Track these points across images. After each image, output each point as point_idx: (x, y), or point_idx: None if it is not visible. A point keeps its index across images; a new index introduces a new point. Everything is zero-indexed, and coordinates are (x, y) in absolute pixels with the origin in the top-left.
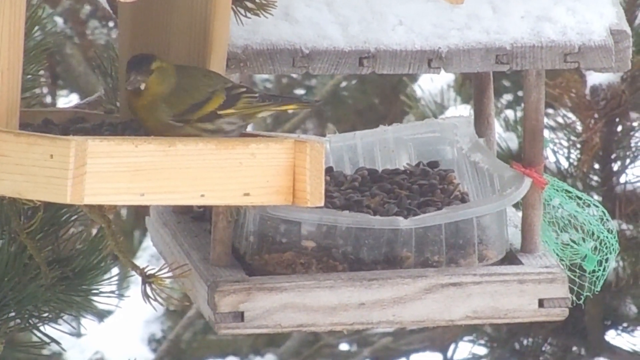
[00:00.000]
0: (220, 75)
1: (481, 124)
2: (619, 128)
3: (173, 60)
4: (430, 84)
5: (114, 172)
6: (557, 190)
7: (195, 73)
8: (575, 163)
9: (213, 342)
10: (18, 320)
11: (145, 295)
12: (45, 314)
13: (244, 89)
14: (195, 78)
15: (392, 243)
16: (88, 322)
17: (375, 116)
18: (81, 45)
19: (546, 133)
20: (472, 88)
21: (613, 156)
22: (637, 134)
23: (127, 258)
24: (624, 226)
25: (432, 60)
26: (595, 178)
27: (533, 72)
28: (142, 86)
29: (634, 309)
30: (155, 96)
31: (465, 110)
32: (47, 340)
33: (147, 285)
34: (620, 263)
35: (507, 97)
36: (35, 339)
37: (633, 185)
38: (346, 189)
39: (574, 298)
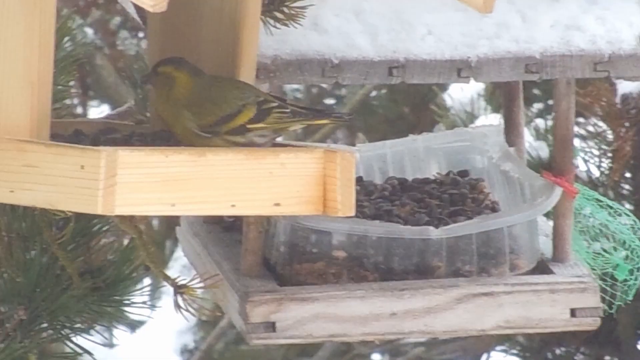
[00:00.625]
0: (252, 87)
1: (511, 132)
2: None
3: (203, 70)
4: (460, 93)
5: (145, 183)
6: (588, 199)
7: (226, 84)
8: (606, 172)
9: (245, 353)
10: (50, 331)
11: (177, 305)
12: (78, 325)
13: (276, 104)
14: (225, 89)
15: (423, 253)
16: (120, 333)
17: (405, 125)
18: (111, 56)
19: (577, 142)
20: (502, 97)
21: None
22: None
23: (159, 268)
24: None
25: (462, 69)
26: (627, 187)
27: (563, 81)
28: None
29: None
30: (173, 102)
31: (495, 119)
32: (80, 351)
33: (178, 295)
34: None
35: (538, 106)
36: (67, 349)
37: None
38: (376, 198)
39: (606, 307)
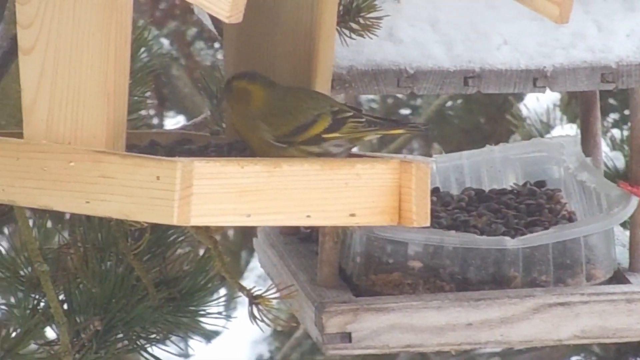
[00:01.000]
0: (327, 97)
1: (588, 143)
2: None
3: (278, 81)
4: (536, 103)
5: (220, 193)
6: None
7: (300, 94)
8: None
9: None
10: (126, 342)
11: (252, 316)
12: (153, 335)
13: (351, 114)
14: (300, 100)
15: (500, 263)
16: (196, 343)
17: (480, 136)
18: (187, 67)
19: None
20: (578, 107)
21: None
22: None
23: (234, 279)
24: None
25: (538, 79)
26: None
27: (639, 91)
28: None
29: None
30: (244, 114)
31: (571, 130)
32: None
33: (254, 306)
34: None
35: (614, 116)
36: None
37: None
38: (453, 209)
39: None
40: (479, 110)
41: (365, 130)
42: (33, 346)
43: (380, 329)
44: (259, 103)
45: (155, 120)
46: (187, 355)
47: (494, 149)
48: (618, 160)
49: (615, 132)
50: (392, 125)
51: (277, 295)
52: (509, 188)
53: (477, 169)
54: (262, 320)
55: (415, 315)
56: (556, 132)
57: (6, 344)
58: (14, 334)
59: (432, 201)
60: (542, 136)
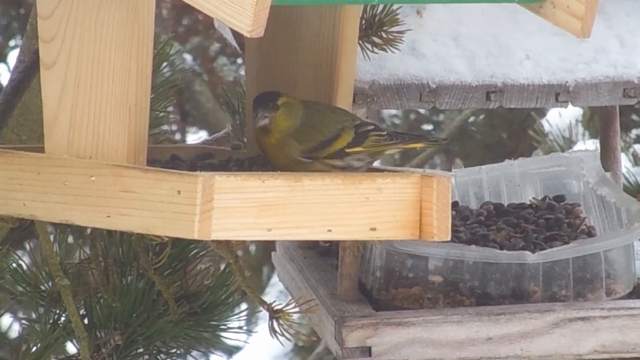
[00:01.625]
0: (346, 111)
1: (607, 157)
2: None
3: (299, 96)
4: (558, 119)
5: (241, 208)
6: None
7: (322, 108)
8: None
9: None
10: (146, 357)
11: (273, 330)
12: (174, 350)
13: (372, 127)
14: (323, 114)
15: (520, 277)
16: (217, 358)
17: (503, 151)
18: (210, 82)
19: None
20: (599, 122)
21: None
22: None
23: (255, 294)
24: None
25: (560, 94)
26: None
27: None
28: (269, 122)
29: None
30: (284, 132)
31: (593, 145)
32: None
33: (274, 320)
34: None
35: (636, 132)
36: None
37: None
38: (472, 223)
39: None
40: (502, 126)
41: (387, 143)
42: None
43: (400, 343)
44: (294, 119)
45: (177, 136)
46: None
47: (513, 164)
48: (639, 175)
49: (637, 148)
50: (412, 139)
51: (297, 309)
52: (528, 202)
53: (496, 183)
54: (283, 335)
55: (436, 329)
56: (578, 147)
57: (27, 358)
58: (34, 349)
59: (451, 215)
60: (564, 151)
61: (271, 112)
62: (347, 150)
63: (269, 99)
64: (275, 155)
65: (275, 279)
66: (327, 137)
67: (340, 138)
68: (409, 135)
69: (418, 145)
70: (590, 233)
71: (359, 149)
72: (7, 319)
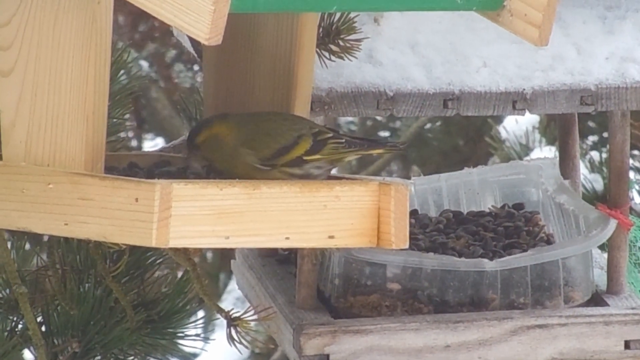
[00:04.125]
0: (304, 118)
1: (566, 165)
2: None
3: (256, 103)
4: (515, 126)
5: (199, 215)
6: None
7: (275, 117)
8: None
9: None
10: None
11: (231, 338)
12: (131, 357)
13: (331, 134)
14: (276, 122)
15: (478, 285)
16: None
17: (459, 158)
18: (166, 89)
19: (631, 174)
20: (557, 129)
21: None
22: None
23: (212, 301)
24: None
25: (517, 101)
26: None
27: (618, 113)
28: (197, 160)
29: None
30: (227, 150)
31: (550, 152)
32: None
33: (232, 328)
34: None
35: (592, 139)
36: None
37: None
38: (431, 231)
39: None
40: (458, 133)
41: (346, 151)
42: None
43: (358, 350)
44: (234, 134)
45: (134, 143)
46: None
47: (472, 172)
48: (597, 182)
49: (594, 155)
50: (371, 145)
51: (255, 317)
52: (487, 210)
53: (455, 191)
54: (240, 342)
55: (394, 337)
56: (535, 154)
57: None
58: None
59: (410, 223)
60: (520, 158)
61: (193, 152)
62: (305, 158)
63: (190, 137)
64: (231, 167)
65: (232, 285)
66: (284, 144)
67: (298, 146)
68: (368, 141)
69: (377, 152)
70: (549, 241)
71: (317, 156)
72: None
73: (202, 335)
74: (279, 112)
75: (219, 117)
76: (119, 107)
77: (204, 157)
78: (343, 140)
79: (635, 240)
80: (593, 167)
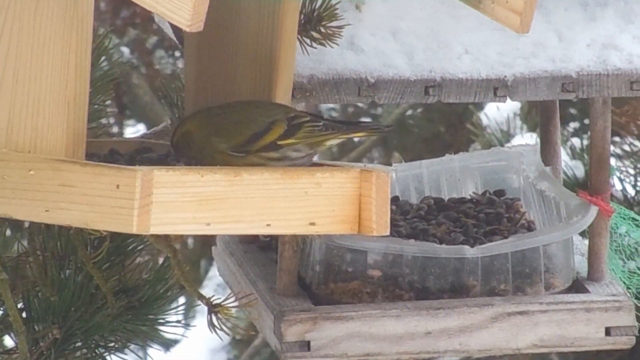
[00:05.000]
0: (282, 105)
1: (547, 152)
2: None
3: (239, 89)
4: (496, 112)
5: (180, 202)
6: (624, 218)
7: (250, 106)
8: None
9: None
10: (84, 350)
11: (211, 324)
12: (112, 344)
13: (307, 118)
14: (246, 111)
15: (459, 272)
16: (154, 352)
17: (441, 144)
18: (147, 75)
19: (613, 161)
20: (538, 116)
21: None
22: None
23: (193, 287)
24: None
25: (498, 88)
26: None
27: (599, 100)
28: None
29: None
30: (201, 143)
31: (531, 139)
32: None
33: (213, 314)
34: None
35: (574, 125)
36: None
37: None
38: (412, 217)
39: None
40: (440, 119)
41: (323, 134)
42: None
43: (339, 337)
44: (204, 127)
45: (115, 129)
46: None
47: (453, 158)
48: (578, 169)
49: (575, 141)
50: (351, 129)
51: (236, 303)
52: (468, 197)
53: (436, 177)
54: (221, 329)
55: (374, 323)
56: (516, 141)
57: None
58: None
59: (391, 210)
60: (502, 145)
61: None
62: (279, 143)
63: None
64: (208, 156)
65: (212, 272)
66: (256, 131)
67: (271, 131)
68: (348, 124)
69: (359, 135)
70: (530, 227)
71: (291, 140)
72: None
73: (183, 321)
74: (251, 101)
75: (191, 114)
76: (100, 94)
77: (184, 156)
78: (320, 124)
79: (616, 227)
80: (574, 154)
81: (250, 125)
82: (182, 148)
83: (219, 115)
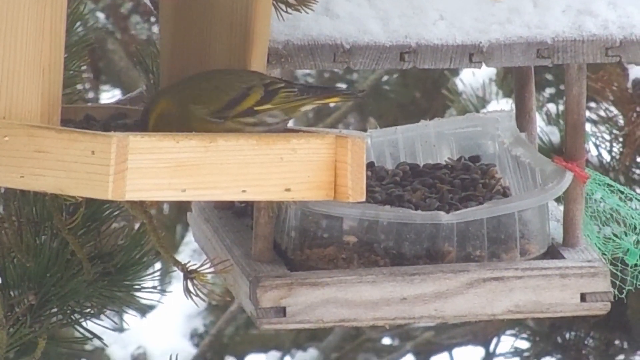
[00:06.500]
0: (257, 72)
1: (523, 118)
2: None
3: (214, 55)
4: (472, 78)
5: (156, 168)
6: (599, 184)
7: (219, 74)
8: (617, 157)
9: (255, 337)
10: (60, 316)
11: (187, 290)
12: (88, 310)
13: (283, 84)
14: (221, 78)
15: (434, 238)
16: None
17: (416, 110)
18: (123, 41)
19: (588, 127)
20: (513, 82)
21: None
22: None
23: (169, 253)
24: None
25: (473, 54)
26: (638, 171)
27: (574, 66)
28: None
29: None
30: (175, 113)
31: (506, 104)
32: (90, 335)
33: (188, 280)
34: None
35: (549, 91)
36: (77, 334)
37: None
38: (387, 183)
39: (616, 292)
40: (415, 85)
41: (298, 99)
42: None
43: (314, 303)
44: (177, 101)
45: (90, 94)
46: (121, 330)
47: (428, 124)
48: (553, 135)
49: (551, 107)
50: (325, 94)
51: (211, 269)
52: (444, 163)
53: (411, 143)
54: (197, 295)
55: (350, 289)
56: (492, 106)
57: None
58: None
59: (366, 176)
60: (477, 111)
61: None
62: (256, 109)
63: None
64: (186, 125)
65: (188, 237)
66: (233, 96)
67: (248, 97)
68: (322, 89)
69: (333, 100)
70: (505, 193)
71: (268, 106)
72: None
73: (158, 287)
74: (223, 69)
75: (155, 96)
76: (75, 59)
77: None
78: (295, 89)
79: (592, 193)
80: (549, 120)
81: (227, 91)
82: (161, 130)
83: (191, 85)
